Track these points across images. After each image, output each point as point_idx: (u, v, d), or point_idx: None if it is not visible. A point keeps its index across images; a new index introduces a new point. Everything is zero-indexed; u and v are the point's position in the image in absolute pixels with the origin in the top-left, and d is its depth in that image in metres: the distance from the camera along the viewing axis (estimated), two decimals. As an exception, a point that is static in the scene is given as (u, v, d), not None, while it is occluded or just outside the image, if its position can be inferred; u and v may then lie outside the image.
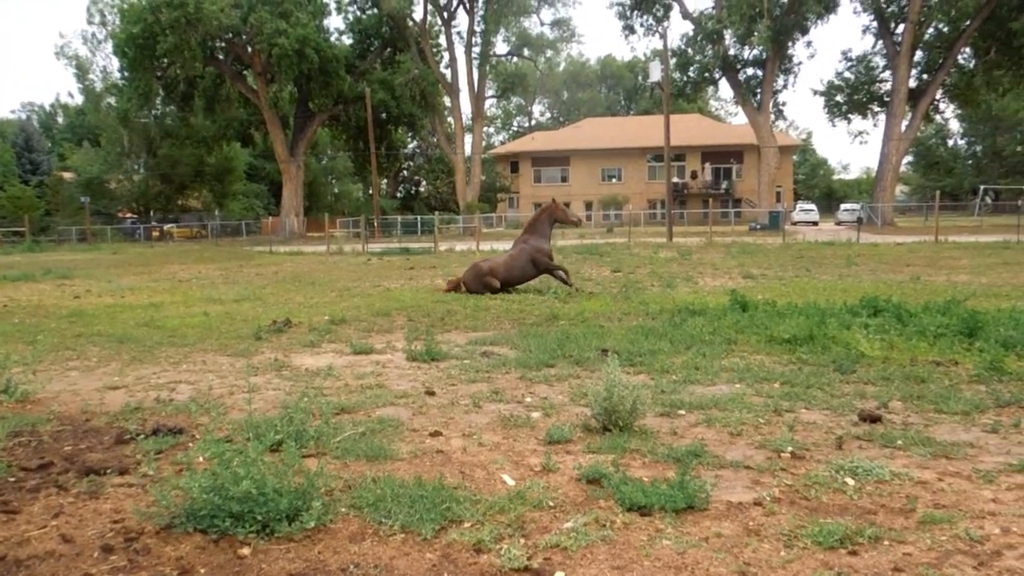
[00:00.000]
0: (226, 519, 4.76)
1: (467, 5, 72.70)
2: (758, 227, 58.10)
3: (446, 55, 76.08)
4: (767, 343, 10.62)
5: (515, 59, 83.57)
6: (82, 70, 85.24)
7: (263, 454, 5.08)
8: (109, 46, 71.63)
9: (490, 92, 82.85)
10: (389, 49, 74.84)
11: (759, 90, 66.09)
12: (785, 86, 67.62)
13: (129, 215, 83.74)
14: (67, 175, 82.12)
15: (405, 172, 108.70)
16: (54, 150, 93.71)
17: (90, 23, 73.84)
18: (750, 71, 67.24)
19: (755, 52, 65.09)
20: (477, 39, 73.69)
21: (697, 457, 6.05)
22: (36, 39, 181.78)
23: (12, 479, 5.96)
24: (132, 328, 14.00)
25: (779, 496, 5.29)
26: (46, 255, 47.25)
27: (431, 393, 8.49)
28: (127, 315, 15.97)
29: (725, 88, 74.98)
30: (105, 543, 4.77)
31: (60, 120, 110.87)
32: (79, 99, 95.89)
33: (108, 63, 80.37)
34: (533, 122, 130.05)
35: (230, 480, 4.79)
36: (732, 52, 65.04)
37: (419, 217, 69.04)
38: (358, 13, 73.53)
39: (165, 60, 64.67)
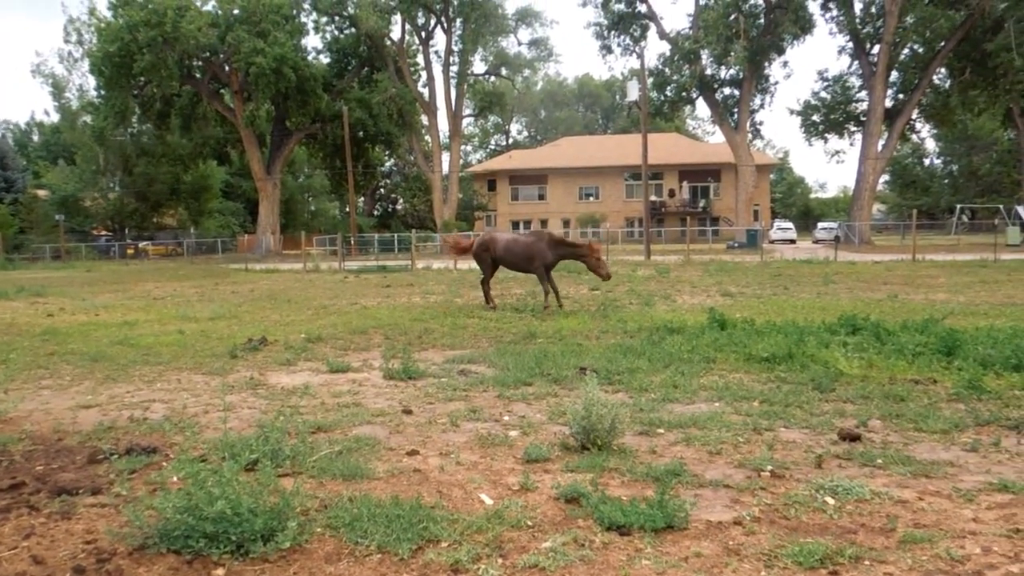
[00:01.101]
0: (200, 539, 4.69)
1: (445, 25, 72.86)
2: (736, 245, 58.32)
3: (424, 74, 76.23)
4: (746, 361, 10.62)
5: (493, 78, 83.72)
6: (58, 88, 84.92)
7: (238, 473, 5.03)
8: (85, 65, 71.49)
9: (468, 111, 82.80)
10: (367, 68, 74.97)
11: (736, 109, 66.50)
12: (762, 105, 68.03)
13: (104, 233, 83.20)
14: (42, 193, 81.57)
15: (382, 190, 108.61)
16: (29, 168, 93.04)
17: (67, 42, 73.84)
18: (727, 90, 67.67)
19: (732, 72, 65.56)
20: (455, 58, 73.81)
21: (676, 476, 6.02)
22: (12, 57, 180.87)
23: (-19, 500, 5.85)
24: (106, 346, 13.87)
25: (759, 515, 5.26)
26: (19, 273, 46.89)
27: (408, 412, 8.44)
28: (101, 333, 15.83)
29: (702, 107, 75.42)
30: (77, 564, 4.69)
31: (35, 138, 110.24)
32: (55, 117, 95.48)
33: (84, 81, 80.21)
34: (510, 140, 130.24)
35: (204, 500, 4.74)
36: (709, 72, 65.43)
37: (396, 235, 68.94)
38: (336, 33, 73.68)
39: (142, 79, 64.59)
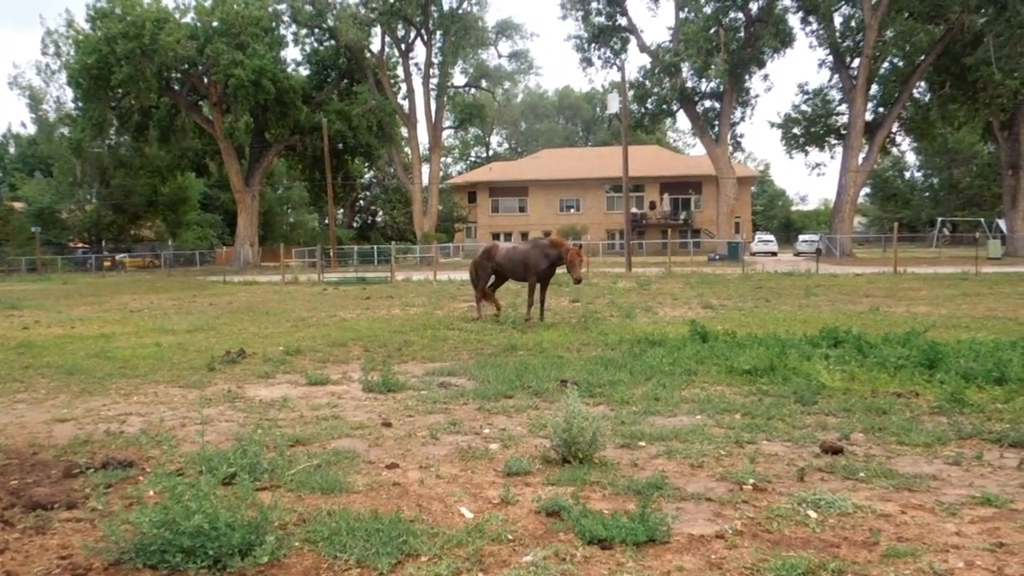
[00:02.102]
0: (177, 554, 4.64)
1: (424, 37, 72.90)
2: (717, 258, 58.38)
3: (403, 86, 76.28)
4: (727, 374, 10.60)
5: (473, 90, 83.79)
6: (35, 100, 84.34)
7: (215, 487, 4.99)
8: (63, 76, 71.09)
9: (448, 122, 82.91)
10: (346, 80, 74.98)
11: (717, 122, 66.76)
12: (742, 118, 68.13)
13: (81, 245, 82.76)
14: (18, 205, 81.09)
15: (362, 202, 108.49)
16: (5, 180, 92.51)
17: (44, 54, 72.97)
18: (708, 103, 67.95)
19: (712, 85, 65.81)
20: (435, 70, 73.89)
21: (658, 489, 5.98)
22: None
23: (-48, 516, 5.76)
24: (82, 359, 13.74)
25: (741, 529, 5.22)
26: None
27: (388, 424, 8.38)
28: (77, 346, 15.70)
29: (683, 120, 75.49)
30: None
31: (11, 150, 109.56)
32: (32, 129, 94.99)
33: (62, 93, 79.56)
34: (491, 152, 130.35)
35: (181, 514, 4.70)
36: (689, 85, 65.63)
37: (376, 247, 68.81)
38: (315, 45, 73.75)
39: (120, 90, 64.49)
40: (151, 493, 5.81)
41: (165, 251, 69.76)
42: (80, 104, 66.74)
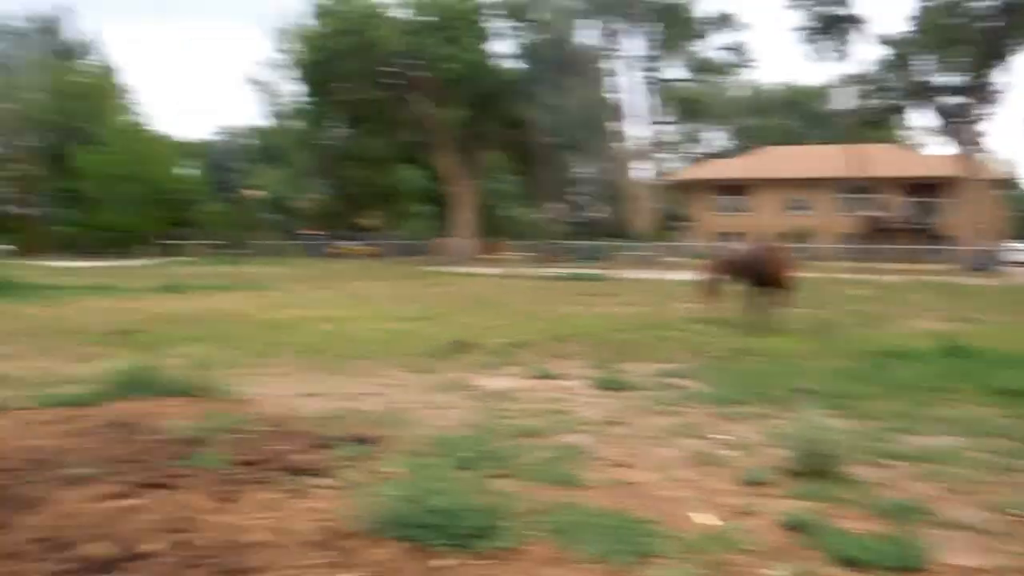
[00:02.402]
0: (421, 530, 4.83)
1: (639, 30, 72.29)
2: (967, 266, 55.03)
3: (617, 80, 75.88)
4: (987, 394, 9.77)
5: (690, 84, 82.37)
6: (270, 95, 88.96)
7: (453, 470, 5.09)
8: (295, 72, 74.84)
9: (664, 117, 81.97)
10: (560, 74, 75.20)
11: (961, 119, 62.89)
12: (992, 115, 63.62)
13: (311, 232, 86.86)
14: (256, 193, 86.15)
15: (577, 197, 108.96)
16: (245, 170, 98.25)
17: (278, 51, 77.58)
18: (951, 99, 64.12)
19: (956, 79, 62.08)
20: (649, 64, 73.18)
21: (911, 512, 5.61)
22: (232, 67, 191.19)
23: (227, 471, 6.20)
24: (321, 339, 14.52)
25: (1011, 564, 4.80)
26: (240, 268, 49.12)
27: (616, 423, 8.29)
28: (314, 327, 16.55)
29: (924, 117, 71.47)
30: (315, 539, 4.94)
31: (251, 142, 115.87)
32: (267, 122, 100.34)
33: (293, 88, 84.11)
34: (710, 149, 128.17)
35: (426, 492, 4.94)
36: (929, 78, 62.28)
37: (593, 243, 68.92)
38: (528, 38, 74.25)
39: (343, 84, 67.24)
40: (393, 470, 6.01)
41: (389, 240, 72.14)
42: (308, 98, 70.47)
